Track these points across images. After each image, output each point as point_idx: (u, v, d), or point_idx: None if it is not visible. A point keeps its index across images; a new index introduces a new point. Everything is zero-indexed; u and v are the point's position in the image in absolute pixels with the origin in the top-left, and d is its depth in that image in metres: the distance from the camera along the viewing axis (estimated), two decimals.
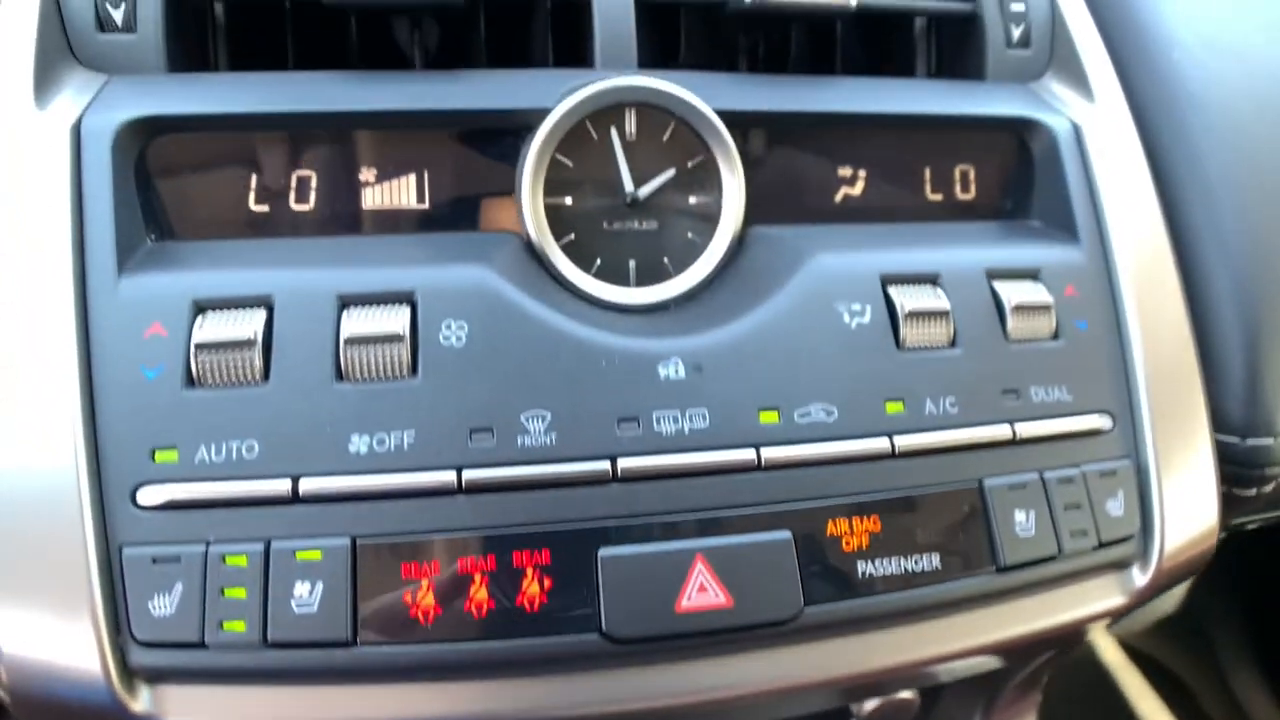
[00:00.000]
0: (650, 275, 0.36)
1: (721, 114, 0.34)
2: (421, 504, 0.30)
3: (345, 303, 0.30)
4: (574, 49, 0.39)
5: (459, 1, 0.33)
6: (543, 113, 0.33)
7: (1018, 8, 0.40)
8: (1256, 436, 0.39)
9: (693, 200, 0.35)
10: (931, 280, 0.34)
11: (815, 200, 0.38)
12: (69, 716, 0.30)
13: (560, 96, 0.33)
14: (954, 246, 0.36)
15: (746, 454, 0.32)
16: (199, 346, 0.29)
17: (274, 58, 0.39)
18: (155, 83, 0.33)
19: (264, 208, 0.34)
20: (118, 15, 0.33)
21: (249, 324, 0.29)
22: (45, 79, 0.32)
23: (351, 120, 0.33)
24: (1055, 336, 0.36)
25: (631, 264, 0.35)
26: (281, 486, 0.29)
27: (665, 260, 0.36)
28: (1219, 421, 0.39)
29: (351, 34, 0.39)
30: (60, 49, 0.33)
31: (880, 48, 0.41)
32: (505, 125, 0.34)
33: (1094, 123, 0.39)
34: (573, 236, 0.35)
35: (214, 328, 0.29)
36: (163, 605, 0.29)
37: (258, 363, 0.29)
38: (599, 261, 0.35)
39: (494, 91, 0.34)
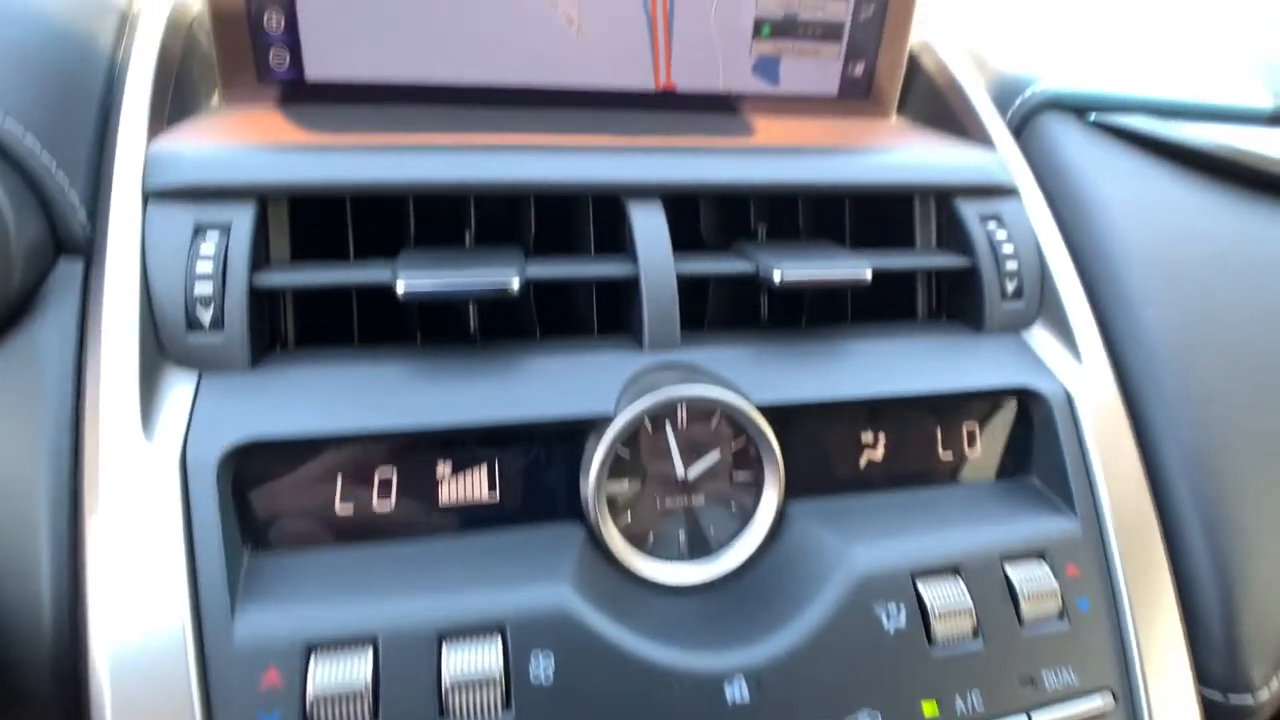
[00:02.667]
0: (699, 545, 0.38)
1: (763, 409, 0.37)
2: None
3: (443, 636, 0.32)
4: (616, 314, 0.42)
5: (515, 293, 0.35)
6: (605, 420, 0.35)
7: (1011, 265, 0.44)
8: (1238, 693, 0.42)
9: (736, 477, 0.38)
10: (954, 570, 0.37)
11: (843, 468, 0.41)
12: None
13: (622, 404, 0.36)
14: (970, 525, 0.39)
15: None
16: (316, 700, 0.30)
17: (338, 322, 0.41)
18: (247, 389, 0.34)
19: (349, 510, 0.35)
20: (206, 316, 0.34)
21: (360, 670, 0.31)
22: (146, 392, 0.32)
23: (434, 437, 0.35)
24: (1061, 617, 0.38)
25: (681, 536, 0.38)
26: None
27: (712, 531, 0.38)
28: (1202, 675, 0.42)
29: (414, 313, 0.42)
30: (153, 352, 0.34)
31: (886, 290, 0.44)
32: (570, 429, 0.36)
33: (1084, 388, 0.42)
34: (629, 519, 0.37)
35: (327, 676, 0.30)
36: None
37: (368, 707, 0.31)
38: (652, 538, 0.38)
39: (558, 397, 0.36)
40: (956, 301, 0.46)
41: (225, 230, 0.35)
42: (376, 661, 0.31)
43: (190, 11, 0.46)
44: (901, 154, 0.45)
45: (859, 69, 0.54)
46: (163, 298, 0.34)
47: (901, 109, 0.57)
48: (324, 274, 0.36)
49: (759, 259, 0.40)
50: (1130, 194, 0.47)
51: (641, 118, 0.50)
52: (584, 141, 0.41)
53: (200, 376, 0.34)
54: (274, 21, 0.44)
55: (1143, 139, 0.50)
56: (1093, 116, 0.50)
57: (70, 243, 0.35)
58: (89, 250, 0.35)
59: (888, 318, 0.45)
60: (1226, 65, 0.59)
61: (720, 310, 0.44)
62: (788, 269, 0.38)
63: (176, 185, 0.35)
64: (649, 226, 0.39)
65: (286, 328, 0.39)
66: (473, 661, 0.32)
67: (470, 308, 0.42)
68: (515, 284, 0.35)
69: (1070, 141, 0.48)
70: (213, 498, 0.32)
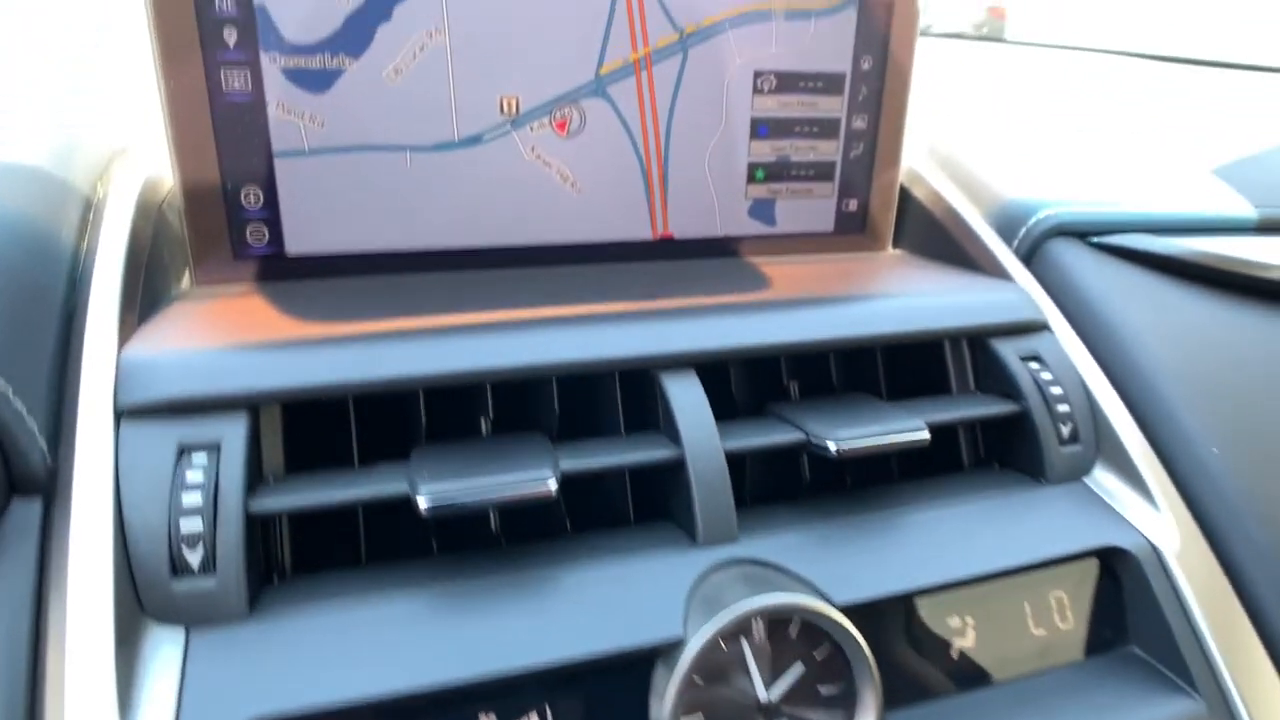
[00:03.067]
0: None
1: (845, 609, 0.32)
2: None
3: None
4: (650, 494, 0.38)
5: (554, 496, 0.31)
6: (675, 644, 0.30)
7: (1064, 407, 0.42)
8: None
9: (824, 691, 0.32)
10: None
11: (936, 663, 0.36)
12: None
13: (692, 623, 0.30)
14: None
15: None
16: None
17: (339, 534, 0.36)
18: (247, 646, 0.28)
19: None
20: (195, 558, 0.28)
21: None
22: (123, 664, 0.26)
23: (475, 690, 0.29)
24: None
25: None
26: None
27: None
28: None
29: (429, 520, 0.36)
30: (130, 607, 0.27)
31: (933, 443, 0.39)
32: (632, 658, 0.30)
33: (1169, 539, 0.39)
34: None
35: None
36: None
37: None
38: None
39: (617, 623, 0.30)
40: (1009, 448, 0.43)
41: (214, 450, 0.30)
42: None
43: (160, 191, 0.43)
44: (930, 298, 0.43)
45: (853, 204, 0.53)
46: (141, 539, 0.28)
47: (897, 240, 0.56)
48: (333, 491, 0.31)
49: (808, 427, 0.36)
50: (1155, 317, 0.46)
51: (641, 269, 0.48)
52: (602, 310, 0.38)
53: (188, 634, 0.28)
54: (252, 197, 0.42)
55: (1147, 257, 0.49)
56: (1094, 238, 0.49)
57: (27, 480, 0.29)
58: (50, 486, 0.29)
59: (931, 464, 0.42)
60: (1201, 176, 0.60)
61: (757, 476, 0.40)
62: (843, 439, 0.34)
63: (155, 401, 0.30)
64: (688, 401, 0.35)
65: (283, 554, 0.34)
66: None
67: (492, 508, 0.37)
68: (553, 486, 0.30)
69: (1083, 267, 0.47)
70: None
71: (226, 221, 0.42)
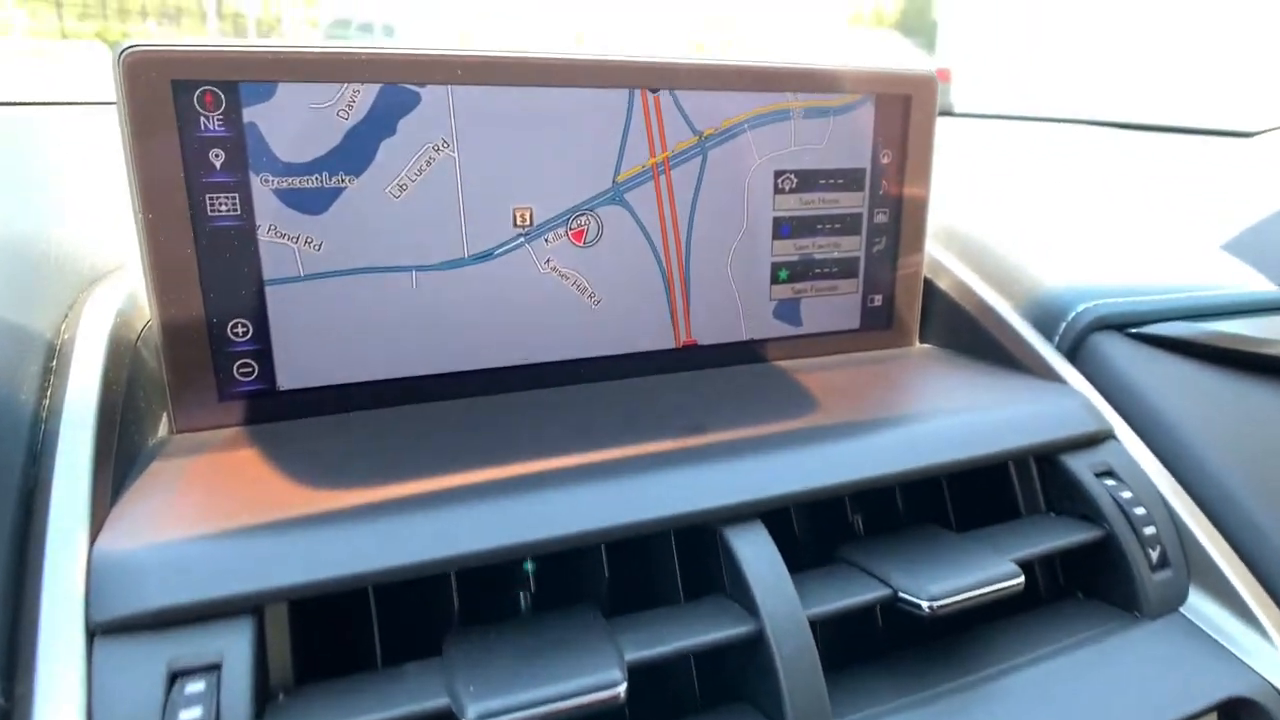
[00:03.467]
0: None
1: None
2: None
3: None
4: (717, 674, 0.33)
5: (621, 699, 0.27)
6: None
7: (1149, 530, 0.39)
8: None
9: None
10: None
11: None
12: None
13: None
14: None
15: None
16: None
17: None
18: None
19: None
20: None
21: None
22: None
23: None
24: None
25: None
26: None
27: None
28: None
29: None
30: None
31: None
32: None
33: None
34: None
35: None
36: None
37: None
38: None
39: None
40: (1091, 576, 0.39)
41: (213, 671, 0.24)
42: None
43: (134, 327, 0.38)
44: (993, 412, 0.40)
45: (878, 300, 0.51)
46: None
47: (923, 333, 0.53)
48: (360, 712, 0.25)
49: (892, 580, 0.32)
50: (1213, 411, 0.43)
51: (667, 382, 0.44)
52: (649, 450, 0.33)
53: None
54: (239, 329, 0.37)
55: (1192, 346, 0.47)
56: (1133, 330, 0.47)
57: None
58: None
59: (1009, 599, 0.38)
60: (1212, 252, 0.59)
61: (831, 641, 0.35)
62: (937, 596, 0.30)
63: (138, 613, 0.25)
64: (761, 561, 0.31)
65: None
66: None
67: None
68: (623, 690, 0.26)
69: (1134, 362, 0.44)
70: None
71: (211, 358, 0.37)
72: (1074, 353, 0.46)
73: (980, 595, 0.31)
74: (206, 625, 0.25)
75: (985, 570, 0.32)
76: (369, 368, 0.40)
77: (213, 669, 0.24)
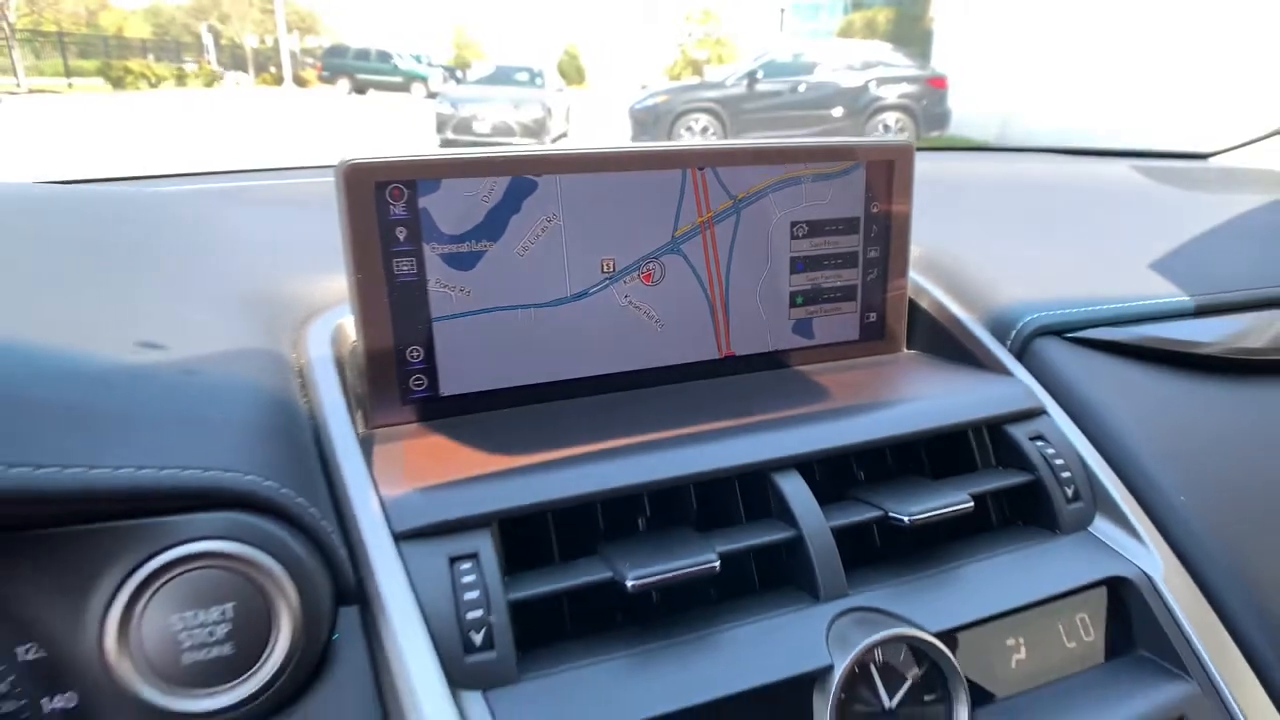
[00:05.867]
0: None
1: (938, 635, 0.43)
2: None
3: None
4: (772, 568, 0.48)
5: (716, 570, 0.41)
6: (827, 668, 0.41)
7: (1066, 474, 0.54)
8: None
9: (926, 698, 0.43)
10: None
11: (1001, 671, 0.47)
12: None
13: (835, 653, 0.41)
14: (1122, 703, 0.46)
15: None
16: None
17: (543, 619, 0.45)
18: (536, 702, 0.38)
19: None
20: (478, 638, 0.38)
21: None
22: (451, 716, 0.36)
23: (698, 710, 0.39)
24: None
25: None
26: None
27: None
28: None
29: (621, 601, 0.45)
30: (442, 678, 0.37)
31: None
32: (793, 684, 0.40)
33: (1157, 568, 0.51)
34: None
35: None
36: None
37: None
38: None
39: (781, 658, 0.41)
40: (1027, 509, 0.54)
41: (474, 558, 0.40)
42: None
43: (342, 353, 0.54)
44: (958, 397, 0.55)
45: (873, 317, 0.66)
46: (440, 630, 0.38)
47: (910, 342, 0.68)
48: (566, 580, 0.41)
49: (885, 505, 0.47)
50: (1126, 395, 0.58)
51: (717, 384, 0.59)
52: (722, 426, 0.49)
53: (485, 695, 0.38)
54: (414, 353, 0.53)
55: (1115, 346, 0.62)
56: (1069, 334, 0.62)
57: (348, 592, 0.39)
58: (361, 596, 0.39)
59: (969, 525, 0.53)
60: (1140, 268, 0.73)
61: (845, 546, 0.50)
62: (914, 513, 0.46)
63: (424, 525, 0.40)
64: (798, 495, 0.46)
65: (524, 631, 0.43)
66: None
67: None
68: (717, 564, 0.41)
69: (1065, 360, 0.59)
70: None
71: (396, 373, 0.52)
72: (1021, 353, 0.61)
73: (942, 513, 0.47)
74: (465, 533, 0.40)
75: (946, 498, 0.48)
76: (505, 378, 0.55)
77: (473, 556, 0.39)
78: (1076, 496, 0.53)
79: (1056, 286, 0.67)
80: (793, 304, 0.63)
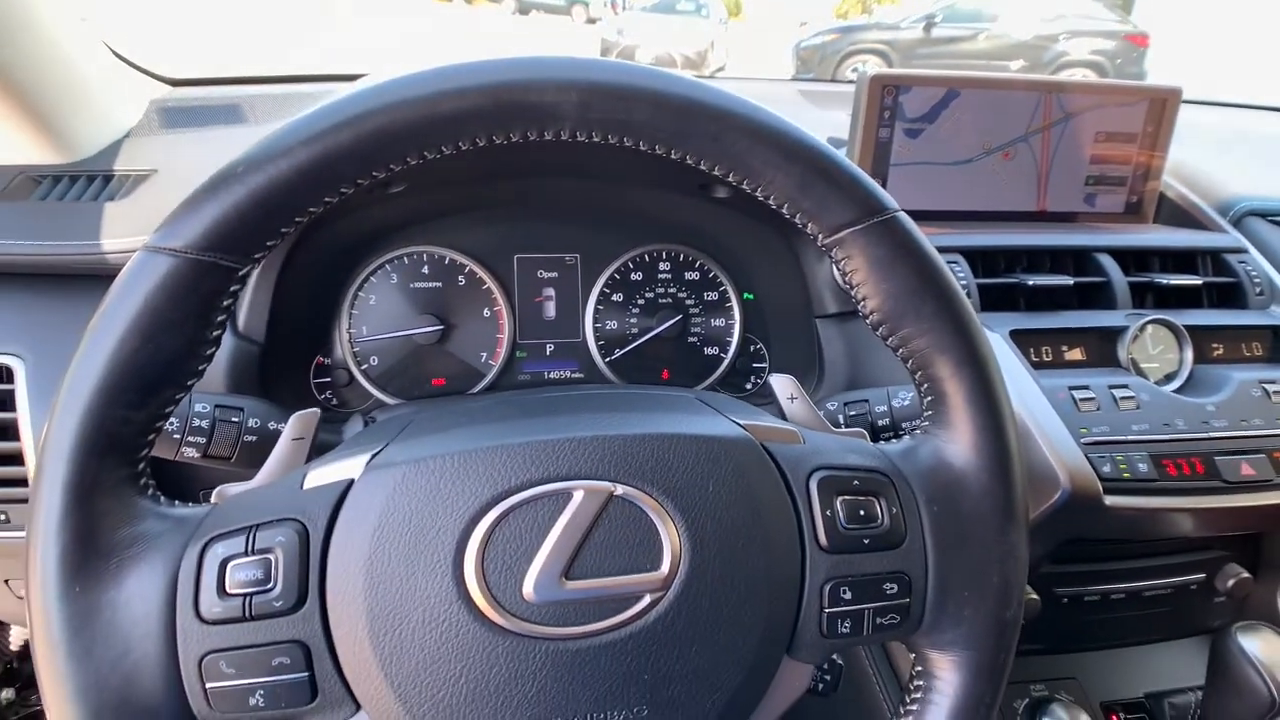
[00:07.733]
0: None
1: None
2: None
3: None
4: None
5: None
6: None
7: (1258, 280, 0.90)
8: None
9: None
10: None
11: None
12: None
13: None
14: None
15: None
16: None
17: None
18: None
19: None
20: None
21: None
22: None
23: None
24: None
25: None
26: None
27: None
28: None
29: None
30: None
31: None
32: None
33: None
34: None
35: None
36: None
37: None
38: None
39: None
40: (1227, 296, 0.92)
41: None
42: None
43: None
44: (1196, 237, 0.93)
45: (1135, 198, 1.04)
46: None
47: (1158, 218, 1.06)
48: None
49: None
50: None
51: (1029, 224, 0.99)
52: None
53: None
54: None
55: None
56: (1270, 217, 0.98)
57: None
58: None
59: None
60: None
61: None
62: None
63: None
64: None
65: None
66: None
67: None
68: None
69: (1265, 231, 0.96)
70: None
71: None
72: (1237, 225, 0.97)
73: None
74: None
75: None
76: (935, 204, 0.98)
77: None
78: (1261, 292, 0.90)
79: (1261, 187, 1.02)
80: (1086, 183, 1.02)
